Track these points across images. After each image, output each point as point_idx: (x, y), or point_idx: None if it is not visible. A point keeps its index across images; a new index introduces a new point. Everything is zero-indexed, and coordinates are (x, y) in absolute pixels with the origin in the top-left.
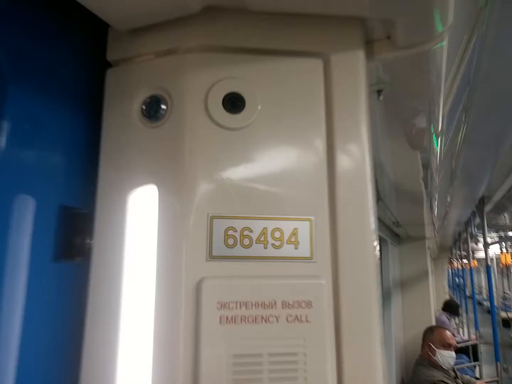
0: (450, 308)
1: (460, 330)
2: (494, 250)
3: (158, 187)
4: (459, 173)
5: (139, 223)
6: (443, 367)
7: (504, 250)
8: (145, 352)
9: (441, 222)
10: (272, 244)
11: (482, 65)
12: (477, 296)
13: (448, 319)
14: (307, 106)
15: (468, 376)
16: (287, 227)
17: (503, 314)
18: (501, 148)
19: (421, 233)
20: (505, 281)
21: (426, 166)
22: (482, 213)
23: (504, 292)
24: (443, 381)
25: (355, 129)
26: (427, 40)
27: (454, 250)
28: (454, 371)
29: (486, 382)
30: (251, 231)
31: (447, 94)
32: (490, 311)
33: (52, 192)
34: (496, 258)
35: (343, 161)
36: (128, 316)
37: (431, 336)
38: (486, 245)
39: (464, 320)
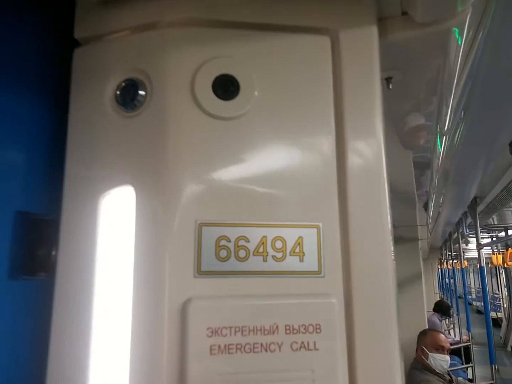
0: (441, 309)
1: (451, 331)
2: (484, 250)
3: (135, 188)
4: (452, 173)
5: (112, 231)
6: (437, 370)
7: (495, 250)
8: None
9: (434, 222)
10: (273, 256)
11: (483, 61)
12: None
13: (440, 320)
14: (312, 91)
15: (462, 378)
16: (290, 235)
17: (493, 314)
18: (495, 148)
19: (414, 234)
20: (494, 281)
21: (420, 166)
22: (475, 214)
23: (493, 293)
24: None
25: (368, 120)
26: (448, 17)
27: (444, 251)
28: (449, 374)
29: None
30: (248, 241)
31: (457, 87)
32: (484, 312)
33: (8, 195)
34: (485, 258)
35: (355, 158)
36: (98, 345)
37: (424, 339)
38: (479, 246)
39: (455, 321)
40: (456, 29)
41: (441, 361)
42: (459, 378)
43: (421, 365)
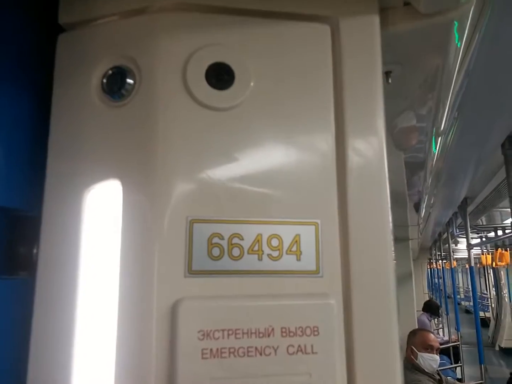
0: (431, 308)
1: (440, 331)
2: (474, 251)
3: (122, 183)
4: (444, 173)
5: (97, 228)
6: (426, 370)
7: (485, 251)
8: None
9: (425, 223)
10: (269, 255)
11: (479, 61)
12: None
13: (429, 320)
14: (311, 82)
15: (451, 378)
16: (287, 233)
17: (481, 314)
18: (487, 148)
19: (404, 234)
20: (482, 281)
21: (412, 166)
22: (465, 214)
23: (482, 293)
24: None
25: (369, 113)
26: (451, 8)
27: (434, 251)
28: (438, 374)
29: None
30: (242, 239)
31: (454, 87)
32: (473, 311)
33: None
34: (474, 258)
35: (355, 153)
36: (82, 348)
37: (414, 339)
38: (469, 246)
39: (444, 321)
40: (456, 23)
41: (430, 360)
42: (448, 378)
43: (411, 365)
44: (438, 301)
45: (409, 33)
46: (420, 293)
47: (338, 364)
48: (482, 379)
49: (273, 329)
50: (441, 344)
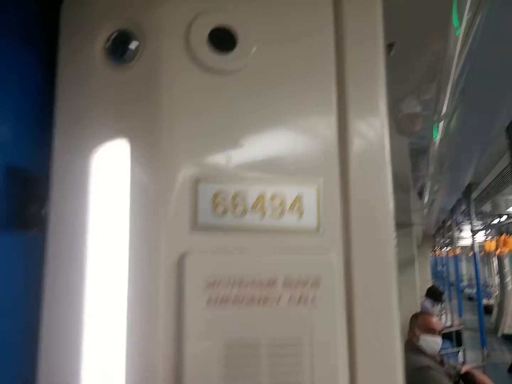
0: (434, 294)
1: (443, 317)
2: (478, 238)
3: (128, 143)
4: (448, 159)
5: (105, 187)
6: (428, 353)
7: (489, 237)
8: (116, 344)
9: (428, 209)
10: (271, 213)
11: (482, 43)
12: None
13: (432, 306)
14: (313, 46)
15: (453, 361)
16: (289, 192)
17: (484, 301)
18: (491, 134)
19: (407, 220)
20: (486, 269)
21: (416, 152)
22: (469, 200)
23: (485, 280)
24: (429, 367)
25: (371, 77)
26: None
27: (437, 238)
28: (440, 356)
29: (472, 368)
30: (246, 197)
31: (456, 70)
32: (476, 298)
33: None
34: (479, 246)
35: (356, 113)
36: (94, 299)
37: (416, 322)
38: (474, 232)
39: (447, 307)
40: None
41: (432, 343)
42: (450, 360)
43: (413, 348)
44: (442, 288)
45: (411, 1)
46: (424, 281)
47: (338, 315)
48: (483, 362)
49: (276, 280)
50: (443, 329)
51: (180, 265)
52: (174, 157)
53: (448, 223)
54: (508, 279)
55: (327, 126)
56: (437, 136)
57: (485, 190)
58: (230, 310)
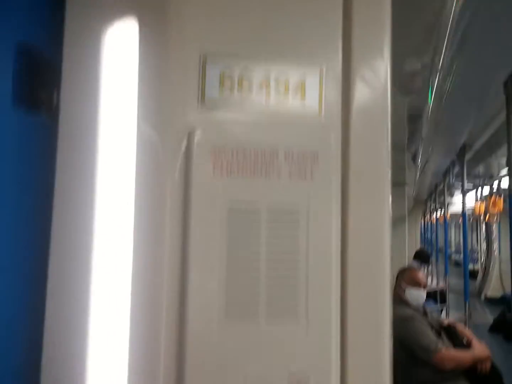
0: (421, 256)
1: (429, 279)
2: (468, 201)
3: (138, 22)
4: (444, 118)
5: (115, 68)
6: (413, 305)
7: (479, 200)
8: (126, 216)
9: (421, 172)
10: (276, 94)
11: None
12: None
13: (419, 267)
14: None
15: (436, 314)
16: (293, 75)
17: (470, 267)
18: (489, 89)
19: (401, 179)
20: (474, 236)
21: (411, 115)
22: (463, 161)
23: (472, 246)
24: (413, 317)
25: None
26: None
27: (429, 203)
28: (423, 308)
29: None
30: (252, 77)
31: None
32: (463, 262)
33: (9, 27)
34: (468, 214)
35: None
36: (105, 172)
37: (403, 276)
38: (464, 192)
39: (434, 270)
40: None
41: (417, 295)
42: (435, 314)
43: (398, 300)
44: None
45: None
46: (413, 246)
47: (334, 190)
48: (465, 315)
49: (277, 153)
50: (429, 290)
51: (189, 137)
52: (182, 34)
53: (441, 187)
54: (495, 245)
55: (331, 11)
56: (432, 98)
57: (479, 151)
58: (234, 178)
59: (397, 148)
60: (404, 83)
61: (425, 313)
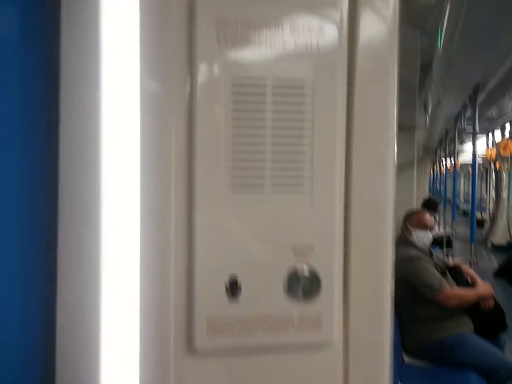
0: (429, 204)
1: (436, 227)
2: (478, 150)
3: None
4: (456, 60)
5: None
6: (419, 246)
7: (490, 145)
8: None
9: (431, 117)
10: None
11: None
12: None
13: None
14: None
15: (442, 256)
16: None
17: (477, 216)
18: (501, 31)
19: (411, 122)
20: (483, 185)
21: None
22: (475, 103)
23: (481, 195)
24: (419, 258)
25: None
26: None
27: (439, 152)
28: (430, 250)
29: (460, 261)
30: None
31: None
32: (471, 198)
33: None
34: (478, 164)
35: None
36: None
37: (410, 218)
38: (475, 135)
39: (442, 219)
40: None
41: (424, 237)
42: (441, 256)
43: (405, 242)
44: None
45: None
46: (421, 197)
47: (340, 74)
48: (471, 257)
49: (281, 24)
50: (435, 236)
51: (189, 9)
52: None
53: (451, 134)
54: (504, 193)
55: None
56: (443, 36)
57: (492, 92)
58: (239, 52)
59: (407, 88)
60: (417, 18)
61: (431, 255)
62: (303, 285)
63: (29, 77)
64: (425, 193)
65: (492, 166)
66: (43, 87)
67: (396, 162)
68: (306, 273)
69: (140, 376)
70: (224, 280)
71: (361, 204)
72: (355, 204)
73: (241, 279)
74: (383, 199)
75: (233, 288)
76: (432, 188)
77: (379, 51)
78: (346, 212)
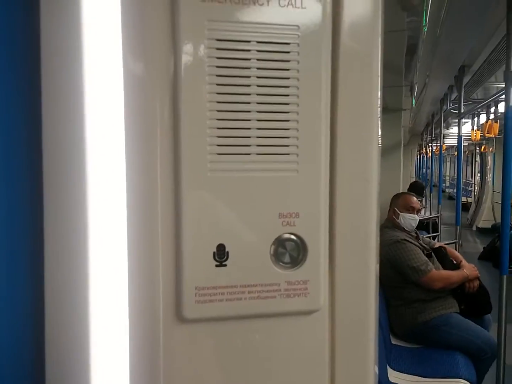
0: (416, 188)
1: (423, 211)
2: (463, 132)
3: None
4: (442, 40)
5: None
6: (406, 228)
7: (475, 127)
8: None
9: (417, 99)
10: None
11: None
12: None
13: None
14: None
15: (428, 238)
16: None
17: (463, 199)
18: (486, 11)
19: (398, 105)
20: (468, 169)
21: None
22: (461, 84)
23: (467, 179)
24: (406, 239)
25: None
26: None
27: (425, 135)
28: (416, 233)
29: (445, 244)
30: None
31: None
32: (456, 180)
33: None
34: (464, 146)
35: None
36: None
37: (397, 201)
38: (460, 116)
39: (427, 205)
40: None
41: (410, 220)
42: (427, 239)
43: (391, 224)
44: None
45: None
46: (407, 181)
47: (325, 30)
48: (456, 238)
49: None
50: (421, 220)
51: None
52: None
53: (437, 117)
54: (489, 176)
55: None
56: (428, 16)
57: (477, 73)
58: (222, 7)
59: (394, 70)
60: None
61: (417, 237)
62: (290, 253)
63: (9, 56)
64: (412, 176)
65: (477, 149)
66: (23, 70)
67: (380, 129)
68: (293, 241)
69: (130, 346)
70: (212, 249)
71: (346, 173)
72: (341, 173)
73: (228, 248)
74: (368, 168)
75: (221, 256)
76: (418, 172)
77: (363, 29)
78: (332, 182)
